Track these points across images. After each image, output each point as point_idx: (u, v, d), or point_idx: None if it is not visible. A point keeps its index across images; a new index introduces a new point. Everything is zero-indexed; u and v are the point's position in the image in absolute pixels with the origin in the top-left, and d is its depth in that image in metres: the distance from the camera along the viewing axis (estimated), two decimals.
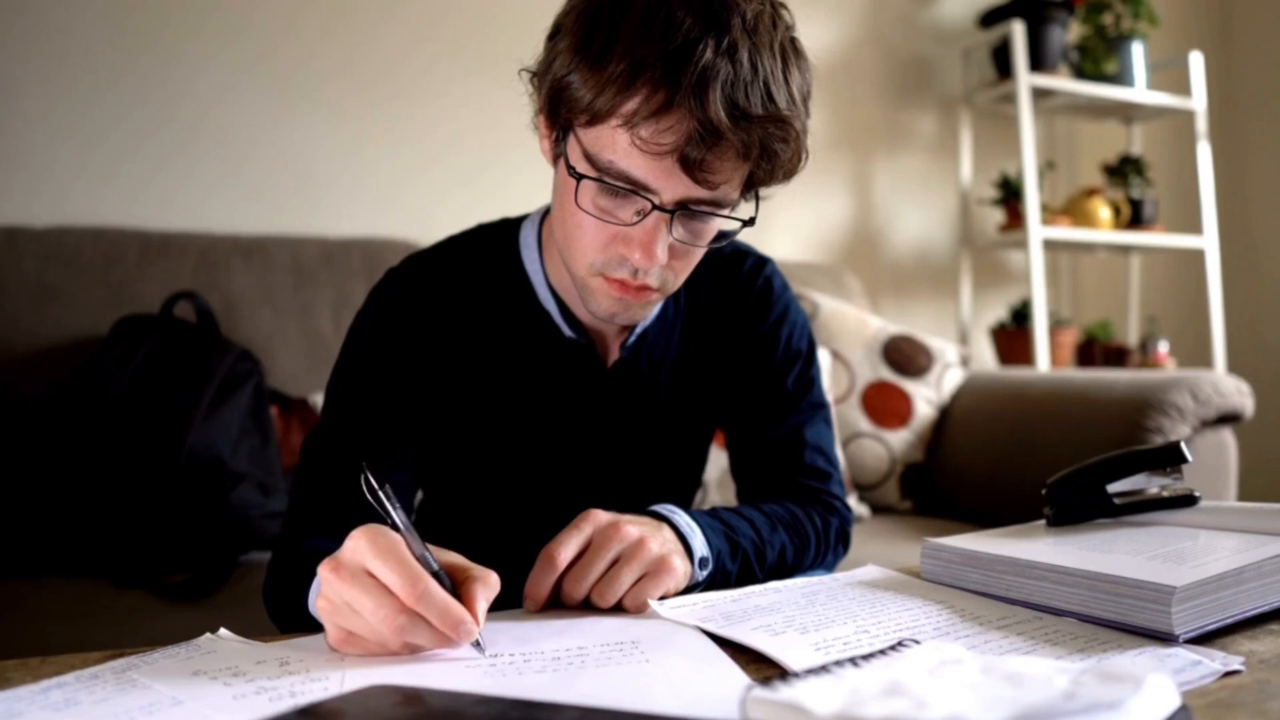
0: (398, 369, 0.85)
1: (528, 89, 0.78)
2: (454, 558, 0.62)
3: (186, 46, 1.90)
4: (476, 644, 0.58)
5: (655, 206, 0.71)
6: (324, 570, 0.58)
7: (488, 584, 0.59)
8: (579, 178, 0.72)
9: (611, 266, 0.75)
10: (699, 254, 0.78)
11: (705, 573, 0.76)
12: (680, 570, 0.72)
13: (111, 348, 1.49)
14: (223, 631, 0.63)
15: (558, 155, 0.76)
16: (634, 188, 0.71)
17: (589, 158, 0.71)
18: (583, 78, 0.69)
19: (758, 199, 0.78)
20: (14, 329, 1.58)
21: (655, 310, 0.91)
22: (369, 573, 0.56)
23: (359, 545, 0.57)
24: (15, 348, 1.56)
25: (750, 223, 0.76)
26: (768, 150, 0.70)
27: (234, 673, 0.55)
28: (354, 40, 2.03)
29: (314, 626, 0.65)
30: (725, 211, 0.75)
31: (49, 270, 1.63)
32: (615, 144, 0.70)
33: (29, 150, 1.80)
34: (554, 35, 0.74)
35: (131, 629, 1.12)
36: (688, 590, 0.75)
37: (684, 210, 0.72)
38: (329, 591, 0.57)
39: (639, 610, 0.68)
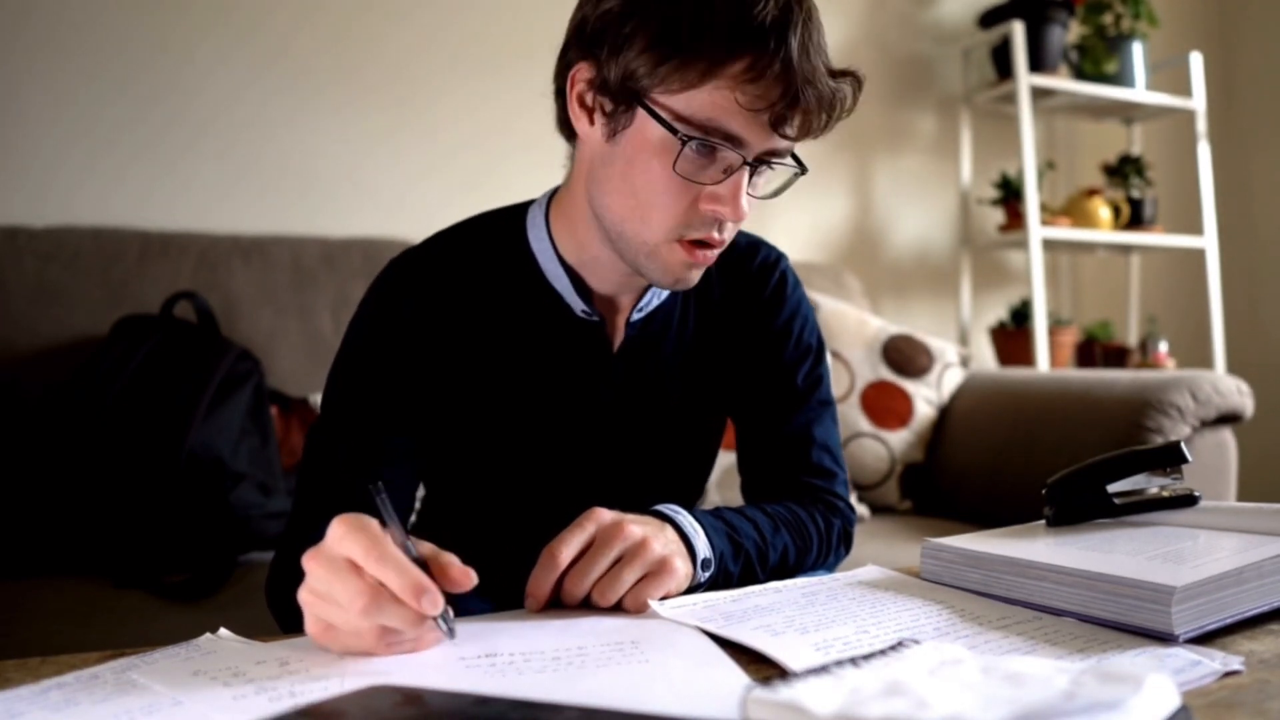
0: (398, 359, 0.85)
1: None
2: (446, 559, 0.62)
3: (190, 49, 1.90)
4: (444, 621, 0.57)
5: (744, 161, 0.75)
6: (306, 561, 0.58)
7: (463, 570, 0.60)
8: (685, 139, 0.74)
9: (694, 227, 0.78)
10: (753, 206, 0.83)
11: (707, 574, 0.76)
12: (682, 571, 0.72)
13: (111, 348, 1.49)
14: (223, 631, 0.63)
15: (614, 130, 0.78)
16: (730, 144, 0.74)
17: (684, 120, 0.74)
18: (672, 48, 0.72)
19: (793, 154, 0.81)
20: (14, 329, 1.58)
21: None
22: (346, 559, 0.56)
23: (335, 531, 0.57)
24: (15, 347, 1.56)
25: (804, 170, 0.81)
26: (839, 103, 0.77)
27: (234, 673, 0.55)
28: (357, 43, 2.03)
29: None
30: (788, 161, 0.80)
31: (49, 270, 1.63)
32: (715, 104, 0.73)
33: (29, 150, 1.80)
34: (608, 18, 0.74)
35: (131, 629, 1.12)
36: (689, 591, 0.75)
37: (762, 163, 0.77)
38: (311, 580, 0.58)
39: (639, 611, 0.68)
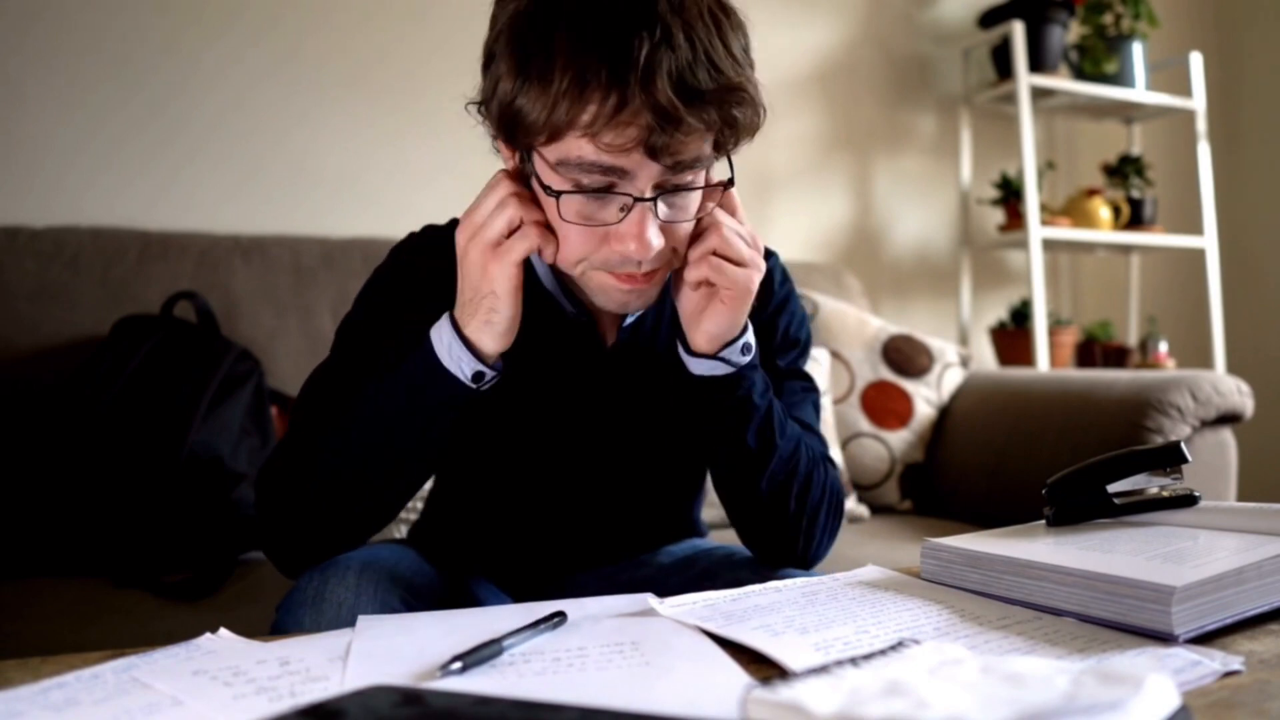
0: (411, 313, 0.86)
1: (477, 119, 0.80)
2: None
3: (190, 49, 1.90)
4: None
5: (636, 199, 0.73)
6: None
7: None
8: (557, 194, 0.73)
9: (613, 264, 0.77)
10: (691, 224, 0.80)
11: (747, 358, 0.83)
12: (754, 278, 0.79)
13: (111, 348, 1.49)
14: (223, 631, 0.63)
15: (527, 176, 0.78)
16: (611, 182, 0.72)
17: (564, 164, 0.72)
18: (531, 100, 0.70)
19: (729, 160, 0.79)
20: (14, 329, 1.58)
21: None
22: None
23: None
24: (16, 347, 1.56)
25: (730, 183, 0.79)
26: (727, 118, 0.72)
27: (234, 673, 0.55)
28: (362, 48, 2.04)
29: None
30: (701, 183, 0.77)
31: (49, 270, 1.63)
32: (582, 149, 0.71)
33: (30, 150, 1.80)
34: (489, 63, 0.76)
35: (131, 629, 1.13)
36: (734, 375, 0.82)
37: (663, 193, 0.74)
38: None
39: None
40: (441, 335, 0.78)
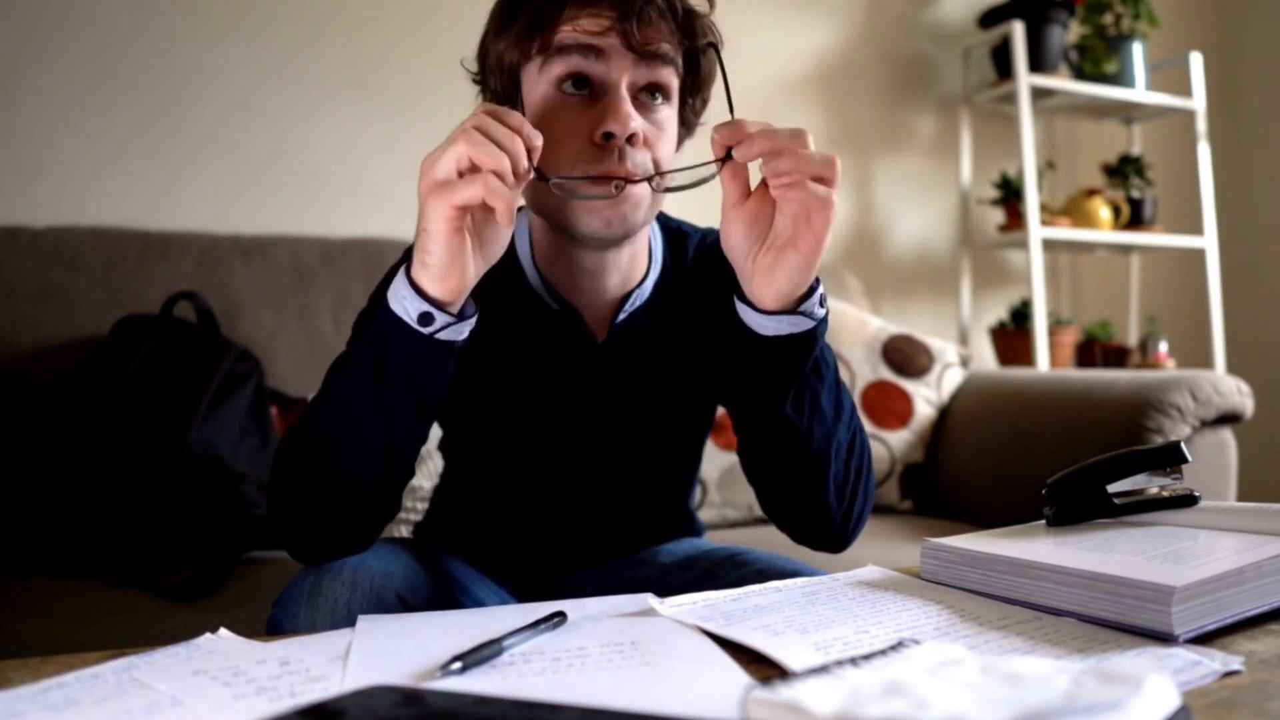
0: None
1: (473, 90, 0.87)
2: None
3: (193, 51, 1.91)
4: None
5: (618, 81, 0.78)
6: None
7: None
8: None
9: (599, 162, 0.78)
10: (669, 142, 0.84)
11: (824, 311, 0.77)
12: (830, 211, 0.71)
13: (111, 348, 1.49)
14: (223, 631, 0.63)
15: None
16: (593, 57, 0.78)
17: (542, 70, 0.80)
18: (515, 18, 0.80)
19: (700, 100, 0.88)
20: (14, 329, 1.58)
21: (648, 288, 0.92)
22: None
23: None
24: (16, 348, 1.56)
25: (704, 103, 0.87)
26: (686, 27, 0.81)
27: (234, 673, 0.55)
28: (365, 51, 2.04)
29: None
30: (673, 112, 0.84)
31: (49, 270, 1.63)
32: (561, 36, 0.78)
33: (31, 150, 1.80)
34: (482, 40, 0.86)
35: (131, 629, 1.12)
36: (809, 340, 0.76)
37: (651, 93, 0.81)
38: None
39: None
40: (396, 280, 0.74)
